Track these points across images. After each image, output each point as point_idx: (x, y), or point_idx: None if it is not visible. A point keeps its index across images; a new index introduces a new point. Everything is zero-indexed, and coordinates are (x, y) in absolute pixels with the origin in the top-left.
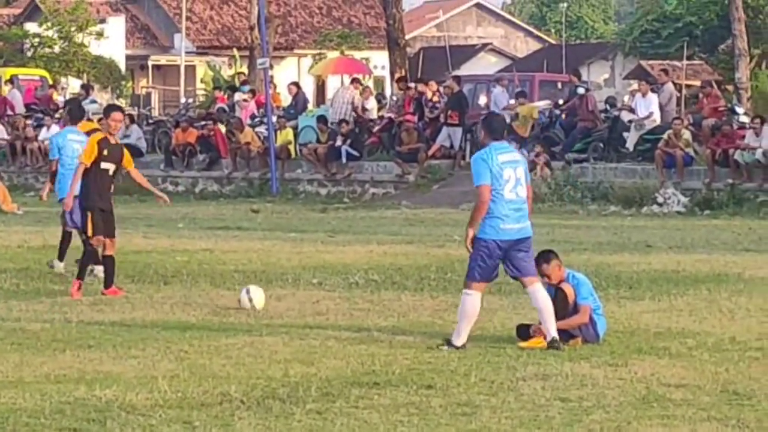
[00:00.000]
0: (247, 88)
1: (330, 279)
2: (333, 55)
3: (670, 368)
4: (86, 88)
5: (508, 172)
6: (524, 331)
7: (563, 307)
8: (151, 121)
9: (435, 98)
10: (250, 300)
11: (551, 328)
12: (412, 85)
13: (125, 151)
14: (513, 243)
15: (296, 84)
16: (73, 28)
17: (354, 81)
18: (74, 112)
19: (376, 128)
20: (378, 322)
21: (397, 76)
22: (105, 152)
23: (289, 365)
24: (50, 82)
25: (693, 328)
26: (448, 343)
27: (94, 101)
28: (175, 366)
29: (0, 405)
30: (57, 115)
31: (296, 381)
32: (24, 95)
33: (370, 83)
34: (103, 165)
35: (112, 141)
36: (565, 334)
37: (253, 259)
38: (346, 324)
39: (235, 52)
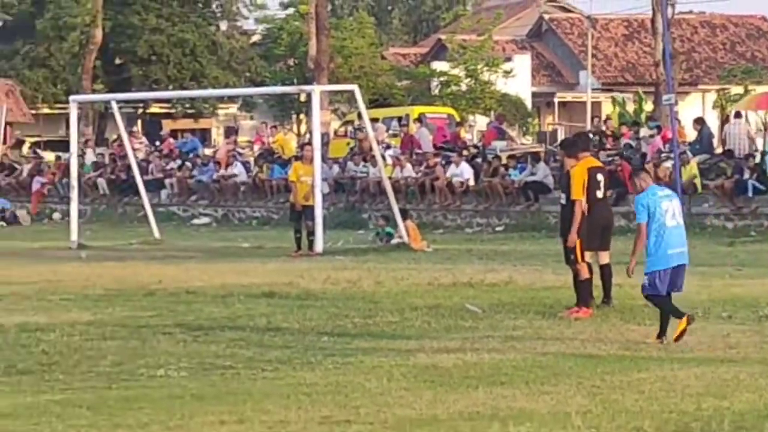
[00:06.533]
0: (654, 123)
1: (739, 312)
2: (737, 90)
3: None
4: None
5: None
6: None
7: None
8: (557, 158)
9: None
10: None
11: None
12: None
13: (570, 182)
14: None
15: (701, 120)
16: (480, 66)
17: (737, 115)
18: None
19: None
20: None
21: None
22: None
23: (702, 399)
24: (457, 120)
25: None
26: None
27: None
28: (587, 401)
29: None
30: (464, 153)
31: (709, 415)
32: (435, 134)
33: None
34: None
35: (564, 171)
36: None
37: None
38: (758, 357)
39: (639, 90)
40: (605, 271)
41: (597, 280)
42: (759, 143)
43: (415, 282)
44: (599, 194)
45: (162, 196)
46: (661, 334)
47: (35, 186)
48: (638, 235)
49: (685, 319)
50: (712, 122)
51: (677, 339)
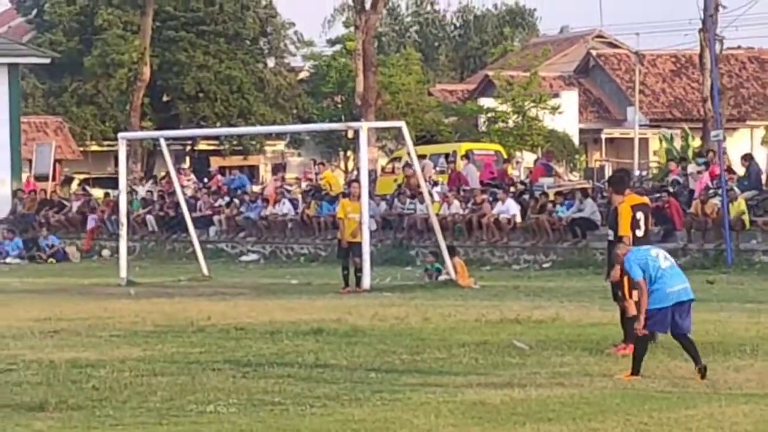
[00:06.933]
0: (702, 160)
1: None
2: None
3: None
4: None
5: None
6: None
7: None
8: (605, 194)
9: None
10: None
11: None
12: None
13: (618, 218)
14: None
15: (749, 156)
16: (527, 103)
17: None
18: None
19: None
20: None
21: None
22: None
23: None
24: (504, 156)
25: None
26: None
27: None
28: None
29: None
30: (511, 189)
31: None
32: (483, 170)
33: None
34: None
35: (612, 208)
36: None
37: (710, 331)
38: None
39: (686, 126)
40: None
41: None
42: None
43: (462, 319)
44: (639, 233)
45: (210, 233)
46: (698, 364)
47: (90, 223)
48: (640, 292)
49: (634, 377)
50: (761, 158)
51: (623, 374)
